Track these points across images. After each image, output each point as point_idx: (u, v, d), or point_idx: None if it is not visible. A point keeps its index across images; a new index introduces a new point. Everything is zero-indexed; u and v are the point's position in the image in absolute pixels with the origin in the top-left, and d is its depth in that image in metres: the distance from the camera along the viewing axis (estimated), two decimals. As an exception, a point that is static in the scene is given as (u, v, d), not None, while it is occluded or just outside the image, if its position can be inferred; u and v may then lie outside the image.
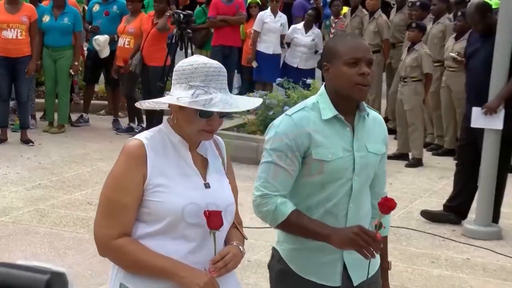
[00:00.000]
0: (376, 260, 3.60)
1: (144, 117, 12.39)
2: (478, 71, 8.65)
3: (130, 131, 12.56)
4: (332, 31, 14.66)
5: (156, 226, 3.03)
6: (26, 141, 11.69)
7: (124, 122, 13.33)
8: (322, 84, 3.68)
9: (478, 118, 8.30)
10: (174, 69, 3.11)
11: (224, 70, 3.12)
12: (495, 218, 8.81)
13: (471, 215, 9.00)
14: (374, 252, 3.32)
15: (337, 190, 3.49)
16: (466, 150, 9.06)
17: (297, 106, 3.60)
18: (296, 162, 3.46)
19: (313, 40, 14.32)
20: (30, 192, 9.35)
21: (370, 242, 3.30)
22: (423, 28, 11.99)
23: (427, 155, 12.35)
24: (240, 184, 10.40)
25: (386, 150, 3.73)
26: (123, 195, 3.00)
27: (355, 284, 3.54)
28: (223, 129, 11.56)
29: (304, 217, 3.43)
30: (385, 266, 3.79)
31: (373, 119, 3.67)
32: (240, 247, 3.17)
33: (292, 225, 3.44)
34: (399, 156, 12.08)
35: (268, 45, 14.39)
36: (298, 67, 14.06)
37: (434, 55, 12.15)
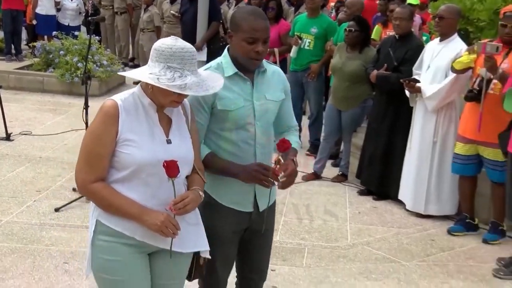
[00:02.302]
0: (273, 193, 3.32)
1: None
2: (189, 23, 8.89)
3: None
4: (91, -2, 14.30)
5: (123, 172, 2.73)
6: None
7: None
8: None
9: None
10: (153, 47, 2.72)
11: (196, 53, 2.75)
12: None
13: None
14: (273, 182, 3.06)
15: (243, 133, 3.13)
16: None
17: (204, 67, 3.15)
18: (205, 113, 3.09)
19: (77, 5, 13.80)
20: None
21: (269, 175, 3.04)
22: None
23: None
24: (33, 106, 10.15)
25: (286, 96, 3.32)
26: (99, 147, 2.70)
27: (260, 210, 3.25)
28: (17, 68, 11.27)
29: (217, 159, 3.12)
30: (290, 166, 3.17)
31: (272, 72, 3.26)
32: (200, 191, 2.85)
33: (208, 166, 3.09)
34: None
35: (42, 8, 13.59)
36: (69, 24, 13.60)
37: (161, 13, 12.30)
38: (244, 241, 3.36)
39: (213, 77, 2.86)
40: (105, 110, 2.72)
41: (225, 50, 3.19)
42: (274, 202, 3.40)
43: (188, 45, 2.72)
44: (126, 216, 2.73)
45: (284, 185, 3.11)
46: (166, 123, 2.83)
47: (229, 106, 3.08)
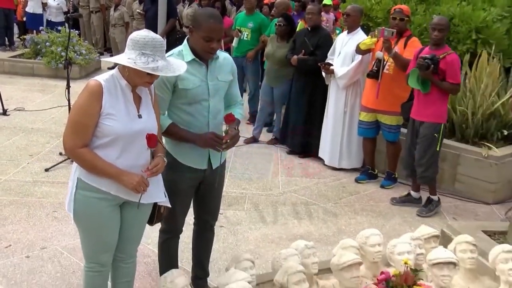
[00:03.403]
0: (224, 154, 3.31)
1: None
2: (151, 19, 8.64)
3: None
4: (71, -3, 13.77)
5: (103, 140, 2.70)
6: None
7: None
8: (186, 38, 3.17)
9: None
10: (130, 37, 2.66)
11: (164, 43, 2.72)
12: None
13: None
14: (223, 148, 3.10)
15: (199, 107, 3.10)
16: None
17: (167, 54, 2.99)
18: (168, 91, 3.05)
19: (58, 4, 13.09)
20: None
21: (220, 142, 3.07)
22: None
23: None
24: (25, 87, 9.88)
25: (233, 77, 3.29)
26: (86, 118, 2.65)
27: (213, 167, 3.28)
28: (10, 56, 10.91)
29: (178, 128, 3.10)
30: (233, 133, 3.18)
31: (223, 58, 3.22)
32: (164, 158, 2.88)
33: (171, 133, 3.10)
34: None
35: (30, 8, 12.98)
36: (51, 20, 13.02)
37: (130, 11, 12.04)
38: (200, 191, 3.38)
39: (178, 62, 2.82)
40: (92, 88, 2.66)
41: (185, 40, 3.13)
42: (225, 161, 3.41)
43: (158, 36, 2.68)
44: (106, 176, 2.71)
45: (227, 147, 3.15)
46: (138, 100, 2.80)
47: (188, 86, 3.05)
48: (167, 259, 3.46)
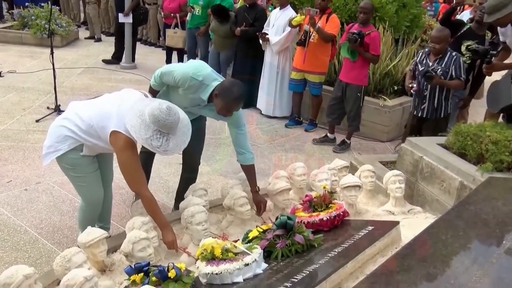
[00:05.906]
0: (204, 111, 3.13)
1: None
2: (120, 4, 8.07)
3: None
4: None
5: (101, 143, 2.63)
6: None
7: None
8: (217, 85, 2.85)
9: (122, 18, 7.83)
10: (153, 113, 2.44)
11: (178, 122, 2.49)
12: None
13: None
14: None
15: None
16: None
17: (200, 75, 2.81)
18: (172, 82, 2.90)
19: None
20: None
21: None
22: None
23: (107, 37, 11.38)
24: (16, 54, 9.17)
25: (235, 128, 3.03)
26: (138, 166, 2.55)
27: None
28: (1, 28, 10.06)
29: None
30: (255, 190, 3.13)
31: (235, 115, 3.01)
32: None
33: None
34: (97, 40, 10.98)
35: None
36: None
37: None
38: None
39: (187, 132, 2.59)
40: (130, 143, 2.51)
41: (214, 86, 2.81)
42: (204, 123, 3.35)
43: (175, 118, 2.47)
44: (156, 221, 2.60)
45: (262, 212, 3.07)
46: None
47: (179, 99, 2.89)
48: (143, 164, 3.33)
